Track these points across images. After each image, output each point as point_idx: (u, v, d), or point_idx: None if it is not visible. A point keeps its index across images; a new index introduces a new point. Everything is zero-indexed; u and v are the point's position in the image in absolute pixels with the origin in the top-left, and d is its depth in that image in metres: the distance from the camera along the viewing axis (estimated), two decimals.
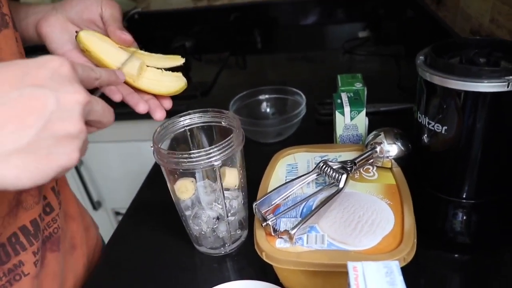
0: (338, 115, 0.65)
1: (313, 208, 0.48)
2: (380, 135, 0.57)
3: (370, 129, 0.63)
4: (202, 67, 1.40)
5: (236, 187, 0.55)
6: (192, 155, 0.47)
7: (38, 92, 0.28)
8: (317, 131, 0.86)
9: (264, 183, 0.55)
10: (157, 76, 0.50)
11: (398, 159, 0.55)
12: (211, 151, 0.47)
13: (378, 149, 0.55)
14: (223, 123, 0.55)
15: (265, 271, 0.52)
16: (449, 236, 0.56)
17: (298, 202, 0.50)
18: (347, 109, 0.65)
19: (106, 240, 0.66)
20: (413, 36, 1.30)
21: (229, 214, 0.55)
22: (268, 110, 0.89)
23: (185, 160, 0.47)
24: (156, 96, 0.51)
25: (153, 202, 0.71)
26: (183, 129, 0.56)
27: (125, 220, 0.69)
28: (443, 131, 0.52)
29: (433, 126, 0.53)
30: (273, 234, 0.46)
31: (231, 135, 0.49)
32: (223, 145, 0.48)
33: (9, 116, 0.27)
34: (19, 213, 0.47)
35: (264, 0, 1.49)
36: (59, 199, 0.55)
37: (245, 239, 0.59)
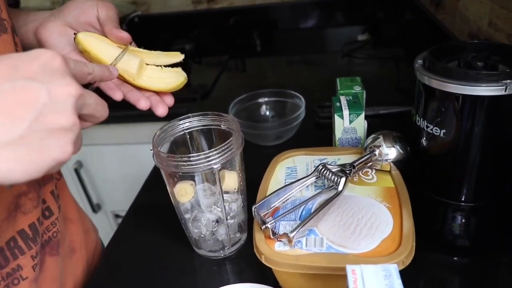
0: (337, 118, 0.66)
1: (312, 211, 0.48)
2: (379, 138, 0.57)
3: (369, 132, 0.63)
4: (202, 70, 1.40)
5: (235, 190, 0.55)
6: (191, 158, 0.47)
7: (30, 84, 0.28)
8: (316, 134, 0.87)
9: (263, 186, 0.55)
10: (157, 73, 0.51)
11: (397, 162, 0.55)
12: (211, 154, 0.47)
13: (377, 152, 0.56)
14: (222, 126, 0.55)
15: (264, 274, 0.52)
16: (448, 239, 0.56)
17: (297, 205, 0.50)
18: (346, 112, 0.65)
19: (105, 243, 0.66)
20: (412, 39, 1.30)
21: (228, 217, 0.55)
22: (267, 113, 0.89)
23: (184, 163, 0.48)
24: (158, 93, 0.51)
25: (153, 205, 0.71)
26: (183, 132, 0.56)
27: (124, 223, 0.69)
28: (441, 135, 0.52)
29: (431, 130, 0.53)
30: (272, 237, 0.46)
31: (231, 139, 0.49)
32: (223, 148, 0.48)
33: (0, 108, 0.27)
34: (18, 217, 0.47)
35: (263, 4, 1.50)
36: (58, 203, 0.55)
37: (245, 242, 0.59)
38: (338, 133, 0.67)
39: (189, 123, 0.56)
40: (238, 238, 0.58)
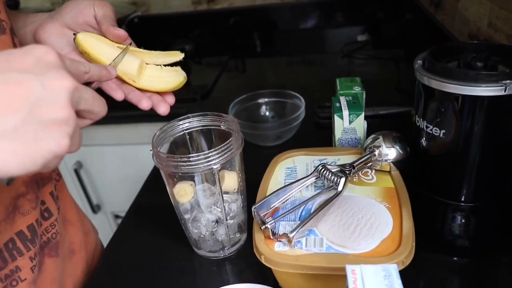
0: (337, 118, 0.66)
1: (312, 211, 0.48)
2: (378, 138, 0.57)
3: (368, 132, 0.63)
4: (202, 70, 1.40)
5: (235, 191, 0.55)
6: (191, 159, 0.47)
7: (23, 77, 0.28)
8: (316, 134, 0.87)
9: (263, 186, 0.55)
10: (157, 72, 0.51)
11: (397, 163, 0.55)
12: (210, 154, 0.47)
13: (376, 152, 0.56)
14: (222, 126, 0.55)
15: (264, 274, 0.52)
16: (448, 239, 0.56)
17: (297, 205, 0.50)
18: (345, 112, 0.65)
19: (105, 244, 0.66)
20: (412, 40, 1.30)
21: (228, 218, 0.55)
22: (267, 113, 0.89)
23: (184, 163, 0.48)
24: (159, 92, 0.51)
25: (152, 206, 0.71)
26: (182, 133, 0.56)
27: (124, 223, 0.69)
28: (441, 135, 0.52)
29: (431, 130, 0.53)
30: (272, 237, 0.46)
31: (230, 139, 0.49)
32: (222, 148, 0.48)
33: None
34: (16, 218, 0.47)
35: (263, 4, 1.50)
36: (57, 204, 0.55)
37: (244, 242, 0.59)
38: (338, 133, 0.67)
39: (188, 124, 0.56)
40: (237, 239, 0.58)
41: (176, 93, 0.52)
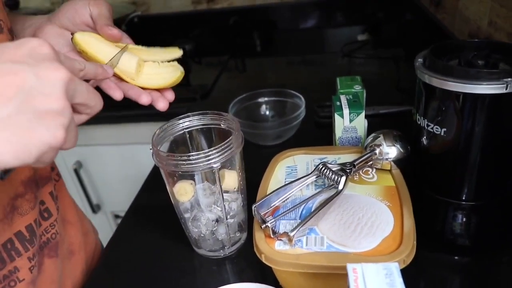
0: (337, 117, 0.66)
1: (312, 210, 0.48)
2: (379, 137, 0.57)
3: (369, 131, 0.63)
4: (201, 70, 1.40)
5: (235, 189, 0.55)
6: (191, 157, 0.47)
7: (16, 67, 0.28)
8: (317, 133, 0.86)
9: (264, 185, 0.55)
10: (154, 69, 0.50)
11: (397, 161, 0.55)
12: (210, 153, 0.47)
13: (377, 151, 0.55)
14: (222, 125, 0.55)
15: (264, 274, 0.52)
16: (449, 238, 0.56)
17: (298, 204, 0.50)
18: (346, 111, 0.65)
19: (105, 243, 0.66)
20: (412, 39, 1.30)
21: (228, 217, 0.55)
22: (267, 112, 0.89)
23: (184, 162, 0.47)
24: (158, 89, 0.51)
25: (152, 205, 0.71)
26: (182, 132, 0.56)
27: (124, 223, 0.68)
28: (442, 133, 0.52)
29: (432, 128, 0.53)
30: (272, 236, 0.46)
31: (230, 137, 0.49)
32: (222, 147, 0.48)
33: None
34: (15, 219, 0.47)
35: (263, 4, 1.50)
36: (57, 204, 0.55)
37: (245, 241, 0.59)
38: (338, 132, 0.67)
39: (188, 122, 0.56)
40: (238, 238, 0.58)
41: (176, 92, 0.52)
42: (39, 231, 0.51)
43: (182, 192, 0.54)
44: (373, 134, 0.59)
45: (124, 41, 0.50)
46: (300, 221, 0.46)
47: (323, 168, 0.52)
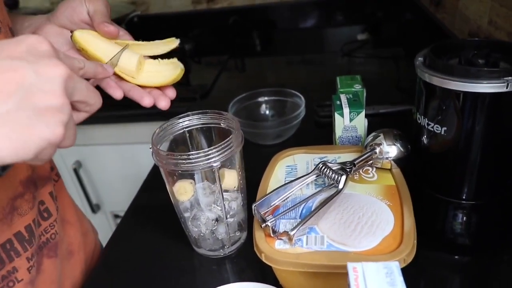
0: (337, 116, 0.65)
1: (312, 209, 0.48)
2: (379, 136, 0.57)
3: (369, 130, 0.63)
4: (201, 69, 1.40)
5: (235, 189, 0.55)
6: (191, 156, 0.47)
7: (15, 63, 0.28)
8: (316, 132, 0.86)
9: (264, 185, 0.55)
10: (155, 66, 0.50)
11: (398, 160, 0.55)
12: (210, 152, 0.47)
13: (377, 150, 0.55)
14: (222, 124, 0.55)
15: (264, 273, 0.52)
16: (449, 237, 0.56)
17: (298, 203, 0.50)
18: (346, 110, 0.65)
19: (104, 243, 0.66)
20: (412, 38, 1.30)
21: (228, 216, 0.55)
22: (267, 112, 0.89)
23: (184, 161, 0.47)
24: (158, 87, 0.50)
25: (152, 204, 0.71)
26: (182, 131, 0.56)
27: (123, 222, 0.68)
28: (442, 132, 0.52)
29: (432, 127, 0.53)
30: (272, 235, 0.46)
31: (230, 136, 0.49)
32: (222, 146, 0.48)
33: None
34: (14, 219, 0.47)
35: (263, 3, 1.49)
36: (56, 204, 0.55)
37: (244, 240, 0.58)
38: (339, 131, 0.67)
39: (188, 121, 0.56)
40: (238, 237, 0.58)
41: (176, 92, 0.51)
42: (39, 231, 0.51)
43: (182, 192, 0.53)
44: (373, 133, 0.59)
45: (123, 37, 0.50)
46: (300, 220, 0.46)
47: (323, 167, 0.52)
